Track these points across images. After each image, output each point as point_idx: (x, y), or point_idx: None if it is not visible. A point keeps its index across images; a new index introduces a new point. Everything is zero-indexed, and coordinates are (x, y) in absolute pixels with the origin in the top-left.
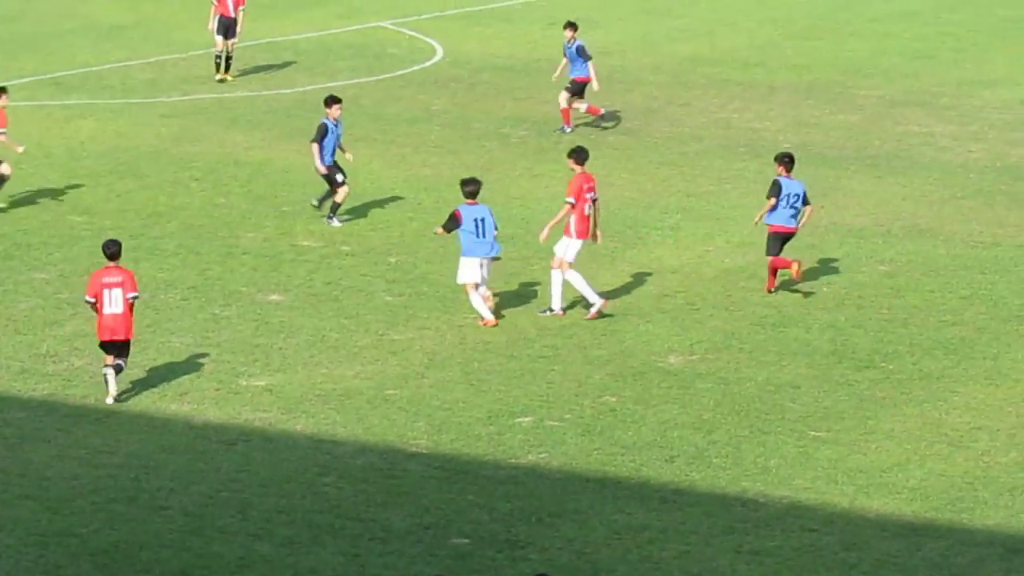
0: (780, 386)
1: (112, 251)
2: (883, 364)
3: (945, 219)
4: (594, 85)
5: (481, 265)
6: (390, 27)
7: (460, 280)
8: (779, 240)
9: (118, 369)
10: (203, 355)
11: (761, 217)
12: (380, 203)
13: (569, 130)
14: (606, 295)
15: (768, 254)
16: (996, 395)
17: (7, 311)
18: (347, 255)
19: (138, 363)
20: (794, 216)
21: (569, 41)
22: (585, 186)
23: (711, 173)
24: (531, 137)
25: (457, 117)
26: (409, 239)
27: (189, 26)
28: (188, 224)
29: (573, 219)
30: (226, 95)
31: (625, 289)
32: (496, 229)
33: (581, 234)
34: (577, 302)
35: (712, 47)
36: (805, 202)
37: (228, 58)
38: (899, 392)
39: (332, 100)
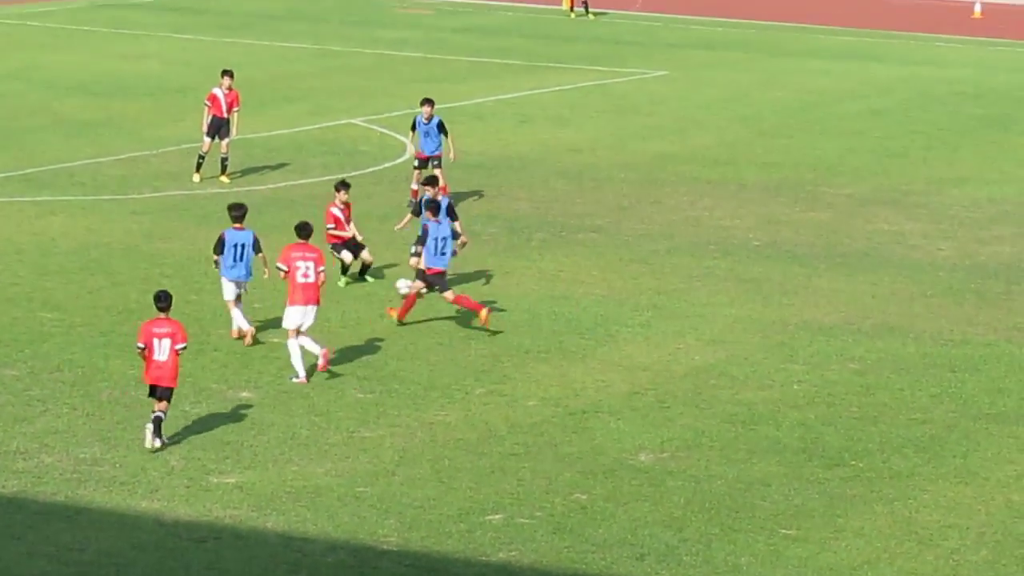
0: (750, 484)
1: (162, 304)
2: (853, 462)
3: (915, 317)
4: (450, 155)
5: (238, 287)
6: (361, 124)
7: (224, 297)
8: (429, 279)
9: (157, 422)
10: (173, 452)
11: (417, 256)
12: (351, 300)
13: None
14: (577, 392)
15: (424, 282)
16: (966, 493)
17: None
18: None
19: (108, 460)
20: (443, 256)
21: (428, 119)
22: (295, 254)
23: (681, 271)
24: (502, 235)
25: None
26: (380, 335)
27: (160, 123)
28: None
29: (289, 287)
30: (197, 192)
31: (595, 386)
32: (256, 253)
33: (292, 301)
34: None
35: (682, 145)
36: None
37: (224, 159)
38: (869, 490)
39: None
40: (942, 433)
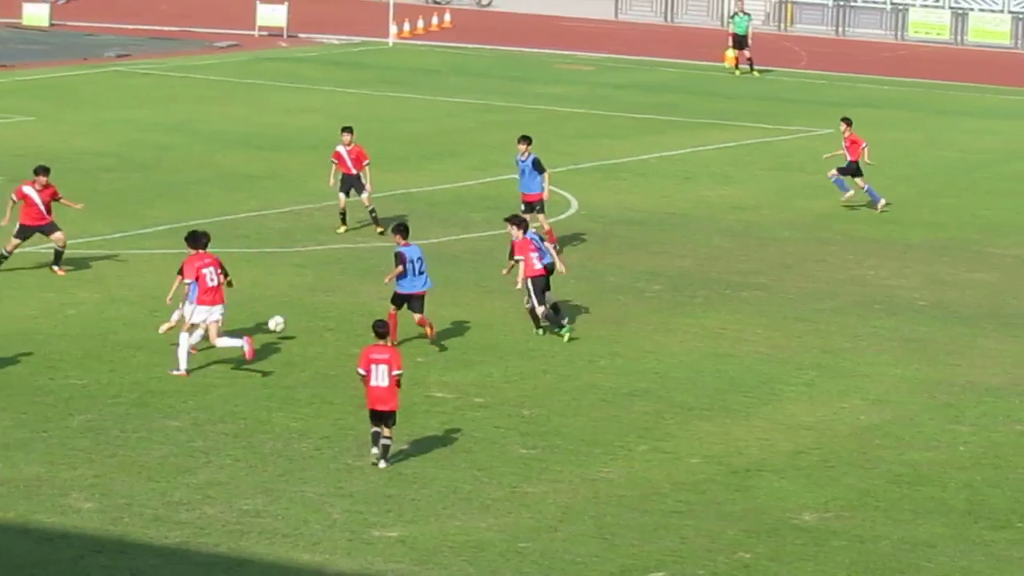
0: (915, 545)
1: (381, 331)
2: (1020, 524)
3: None
4: (545, 195)
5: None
6: None
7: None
8: (402, 301)
9: (385, 449)
10: (335, 505)
11: (391, 279)
12: (514, 356)
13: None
14: (740, 450)
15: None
16: None
17: (140, 458)
18: (480, 407)
19: (270, 512)
20: (420, 278)
21: (524, 155)
22: (197, 263)
23: (846, 330)
24: (665, 292)
25: (591, 270)
26: (542, 392)
27: (323, 176)
28: (322, 373)
29: (197, 290)
30: (360, 245)
31: (759, 445)
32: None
33: (201, 302)
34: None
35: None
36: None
37: (371, 212)
38: None
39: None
40: None
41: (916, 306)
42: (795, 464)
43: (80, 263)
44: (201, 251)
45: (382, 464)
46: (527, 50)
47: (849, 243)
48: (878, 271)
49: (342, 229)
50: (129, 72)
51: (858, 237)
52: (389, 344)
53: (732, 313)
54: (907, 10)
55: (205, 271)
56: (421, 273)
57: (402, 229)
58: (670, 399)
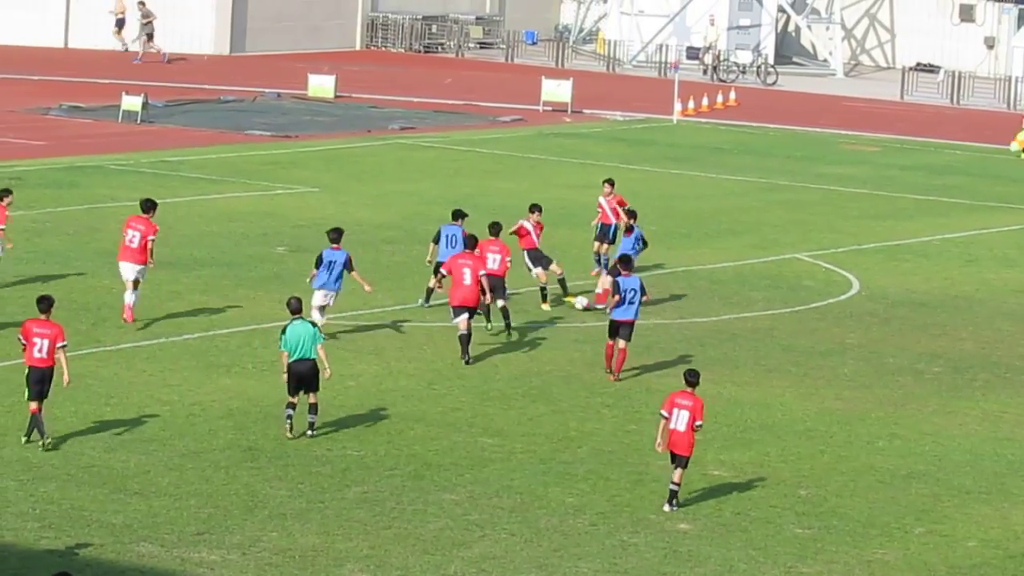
0: None
1: (692, 380)
2: None
3: None
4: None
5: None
6: (806, 259)
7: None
8: (616, 328)
9: (672, 494)
10: None
11: (609, 310)
12: (791, 435)
13: None
14: (1018, 535)
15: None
16: None
17: (416, 530)
18: (757, 487)
19: None
20: (631, 307)
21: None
22: (133, 221)
23: None
24: (945, 374)
25: (871, 351)
26: (819, 472)
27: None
28: (598, 450)
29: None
30: (640, 322)
31: None
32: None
33: (120, 258)
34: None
35: None
36: (643, 292)
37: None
38: None
39: None
40: None
41: None
42: None
43: (360, 335)
44: (140, 215)
45: (668, 508)
46: (812, 130)
47: None
48: None
49: (545, 306)
50: (413, 145)
51: None
52: (693, 392)
53: (1013, 397)
54: None
55: (129, 230)
56: (632, 303)
57: (625, 262)
58: (948, 482)
